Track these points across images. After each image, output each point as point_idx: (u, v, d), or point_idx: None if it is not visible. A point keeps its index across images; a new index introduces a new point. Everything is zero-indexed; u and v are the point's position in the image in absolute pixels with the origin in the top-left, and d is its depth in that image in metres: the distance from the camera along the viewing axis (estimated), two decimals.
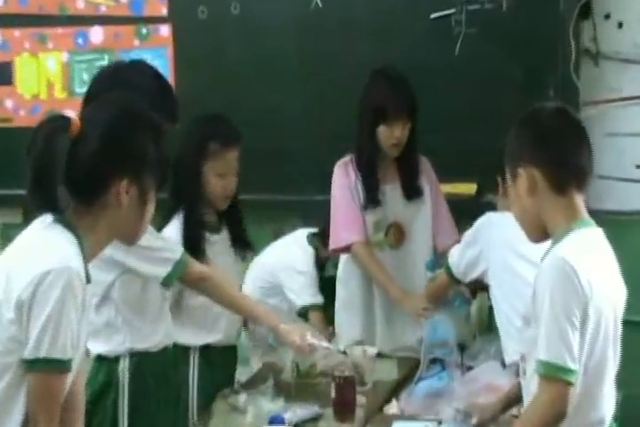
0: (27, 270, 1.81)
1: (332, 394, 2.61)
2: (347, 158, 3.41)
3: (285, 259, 4.05)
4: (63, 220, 1.88)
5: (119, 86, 2.43)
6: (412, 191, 3.37)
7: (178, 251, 2.65)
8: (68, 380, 1.88)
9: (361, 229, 3.31)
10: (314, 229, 4.06)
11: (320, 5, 4.28)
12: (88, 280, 1.90)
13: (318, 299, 3.98)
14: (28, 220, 4.75)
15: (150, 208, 1.97)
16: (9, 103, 4.71)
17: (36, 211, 1.93)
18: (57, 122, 1.90)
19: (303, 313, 3.98)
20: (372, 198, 3.34)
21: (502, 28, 4.04)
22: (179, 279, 2.64)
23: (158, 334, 2.58)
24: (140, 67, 2.69)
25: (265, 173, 4.19)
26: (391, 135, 3.27)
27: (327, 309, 3.81)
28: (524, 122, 2.08)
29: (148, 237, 2.34)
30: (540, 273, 1.95)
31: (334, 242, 3.37)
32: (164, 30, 4.50)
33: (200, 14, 4.43)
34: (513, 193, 2.02)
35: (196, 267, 2.71)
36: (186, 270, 2.64)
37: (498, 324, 2.81)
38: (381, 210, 3.37)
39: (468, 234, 2.90)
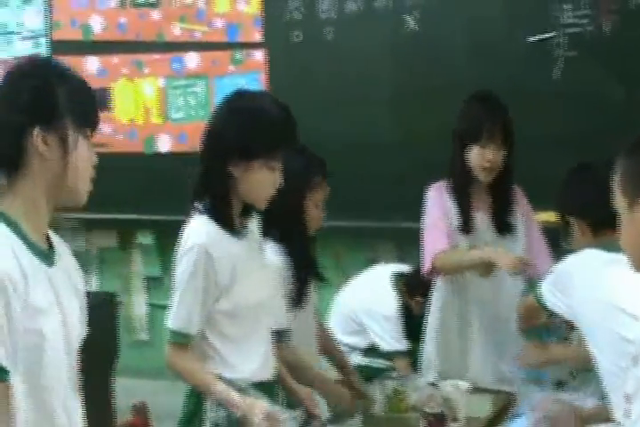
0: None
1: None
2: (441, 183, 3.33)
3: (370, 301, 3.99)
4: None
5: (244, 113, 2.39)
6: (503, 226, 3.27)
7: None
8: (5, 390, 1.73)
9: (449, 246, 3.22)
10: (400, 268, 3.99)
11: (416, 29, 4.24)
12: (48, 258, 1.82)
13: (404, 345, 3.92)
14: (123, 243, 4.87)
15: (81, 155, 1.81)
16: (106, 128, 4.76)
17: None
18: None
19: (388, 357, 3.93)
20: (463, 225, 3.25)
21: (603, 51, 3.94)
22: None
23: (248, 365, 2.50)
24: (265, 96, 2.65)
25: (357, 198, 4.16)
26: (483, 157, 3.17)
27: (413, 353, 3.75)
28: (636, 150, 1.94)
29: None
30: None
31: (425, 265, 3.28)
32: (258, 55, 4.51)
33: (294, 39, 4.42)
34: (626, 224, 1.89)
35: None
36: None
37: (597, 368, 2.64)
38: (472, 236, 3.27)
39: (554, 279, 2.69)
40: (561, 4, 3.99)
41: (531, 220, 3.34)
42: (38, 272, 1.79)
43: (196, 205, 2.41)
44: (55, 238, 1.89)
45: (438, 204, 3.27)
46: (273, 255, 2.80)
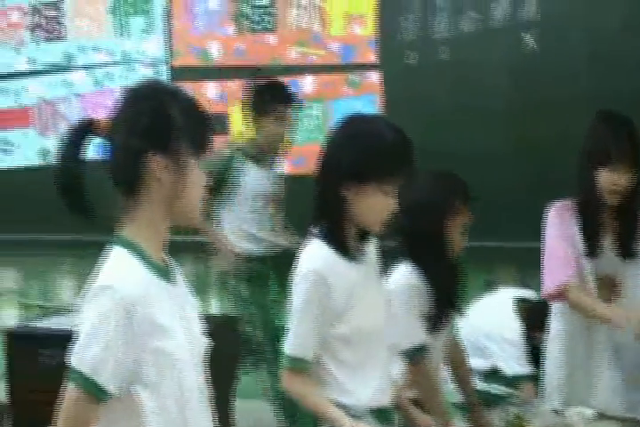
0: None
1: None
2: (563, 202, 3.24)
3: (493, 325, 3.95)
4: (118, 239, 1.87)
5: (358, 137, 2.39)
6: (628, 251, 3.17)
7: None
8: (95, 409, 1.79)
9: (574, 272, 3.13)
10: (523, 293, 3.92)
11: (533, 45, 4.18)
12: (167, 276, 1.88)
13: (528, 369, 3.83)
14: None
15: (195, 180, 1.87)
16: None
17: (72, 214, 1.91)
18: (81, 125, 1.89)
19: (511, 381, 3.86)
20: (590, 249, 3.15)
21: None
22: None
23: (364, 390, 2.47)
24: (379, 119, 2.64)
25: (476, 218, 4.10)
26: (612, 180, 3.08)
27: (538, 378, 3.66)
28: None
29: None
30: None
31: (546, 287, 3.20)
32: (374, 77, 4.51)
33: (409, 60, 4.41)
34: None
35: None
36: None
37: None
38: (597, 261, 3.18)
39: None
40: None
41: None
42: (161, 291, 1.85)
43: (312, 229, 2.41)
44: (165, 256, 1.94)
45: (561, 225, 3.19)
46: (406, 276, 2.83)
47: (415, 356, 2.80)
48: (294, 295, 2.37)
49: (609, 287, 3.19)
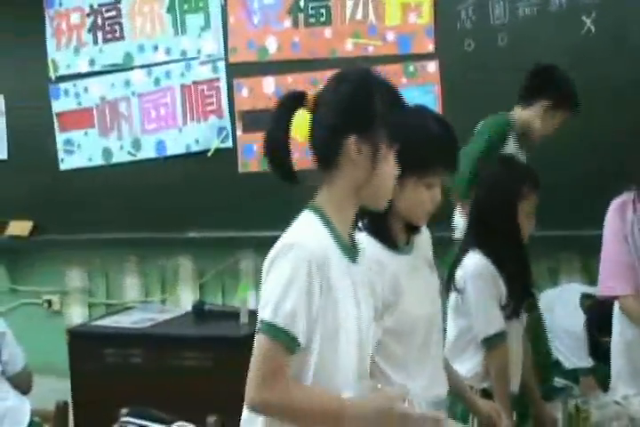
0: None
1: None
2: (626, 197, 3.11)
3: (555, 318, 3.89)
4: (312, 206, 1.97)
5: (401, 129, 2.35)
6: None
7: None
8: (289, 360, 1.84)
9: (630, 279, 3.01)
10: (590, 290, 3.83)
11: (592, 28, 4.06)
12: (350, 253, 1.95)
13: (588, 362, 3.74)
14: None
15: (387, 168, 1.96)
16: None
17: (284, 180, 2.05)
18: (291, 97, 1.98)
19: (571, 374, 3.77)
20: None
21: None
22: None
23: (416, 383, 2.42)
24: (426, 111, 2.59)
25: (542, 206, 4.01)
26: None
27: (599, 371, 3.58)
28: None
29: None
30: None
31: (602, 289, 3.11)
32: (431, 66, 4.44)
33: (466, 47, 4.33)
34: None
35: None
36: None
37: None
38: None
39: None
40: None
41: None
42: (342, 265, 1.92)
43: (360, 221, 2.37)
44: (358, 239, 2.05)
45: (620, 224, 3.06)
46: (478, 263, 2.82)
47: (494, 344, 2.81)
48: None
49: None
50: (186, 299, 5.04)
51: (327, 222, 1.93)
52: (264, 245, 4.97)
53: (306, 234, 1.90)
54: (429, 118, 2.38)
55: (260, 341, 1.84)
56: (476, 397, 2.66)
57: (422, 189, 2.31)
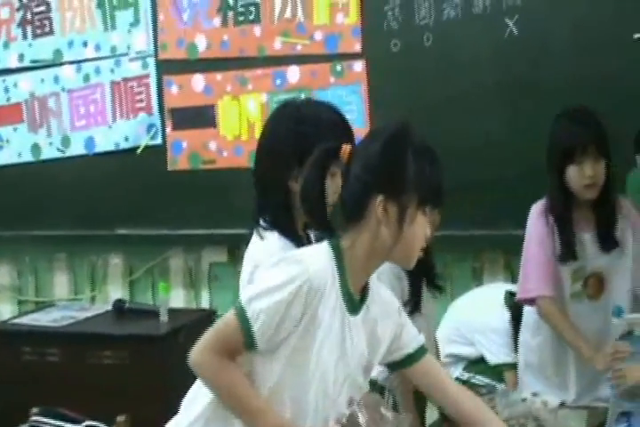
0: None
1: None
2: (544, 202, 3.18)
3: (480, 313, 3.97)
4: (333, 243, 1.99)
5: (304, 122, 2.38)
6: (607, 243, 3.11)
7: None
8: (240, 350, 1.93)
9: (549, 282, 3.08)
10: (512, 286, 3.89)
11: (515, 33, 4.12)
12: (353, 306, 1.98)
13: (512, 358, 3.80)
14: (233, 259, 4.91)
15: (416, 230, 1.96)
16: (213, 145, 4.81)
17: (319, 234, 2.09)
18: (327, 152, 2.03)
19: (495, 370, 3.83)
20: (568, 252, 3.10)
21: None
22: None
23: None
24: (318, 103, 2.63)
25: (463, 206, 4.06)
26: (582, 175, 3.01)
27: None
28: None
29: None
30: None
31: (521, 292, 3.18)
32: (358, 66, 4.47)
33: (393, 48, 4.36)
34: None
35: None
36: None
37: None
38: (580, 259, 3.13)
39: None
40: None
41: None
42: (337, 310, 1.96)
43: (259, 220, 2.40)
44: (374, 288, 2.06)
45: (541, 227, 3.13)
46: None
47: None
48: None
49: (596, 285, 3.16)
50: (115, 296, 5.01)
51: (341, 267, 1.96)
52: (193, 243, 5.04)
53: (316, 262, 1.94)
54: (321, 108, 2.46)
55: (229, 314, 1.95)
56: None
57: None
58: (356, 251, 1.97)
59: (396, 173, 1.94)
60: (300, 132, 2.35)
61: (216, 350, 1.93)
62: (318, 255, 1.97)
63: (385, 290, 2.15)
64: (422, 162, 1.95)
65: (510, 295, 3.94)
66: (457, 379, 3.83)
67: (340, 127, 2.39)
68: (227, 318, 1.96)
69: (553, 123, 3.15)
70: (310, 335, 1.94)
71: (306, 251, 2.02)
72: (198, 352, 1.95)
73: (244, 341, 1.92)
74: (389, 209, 1.93)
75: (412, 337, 2.17)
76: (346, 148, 1.99)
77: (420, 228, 1.97)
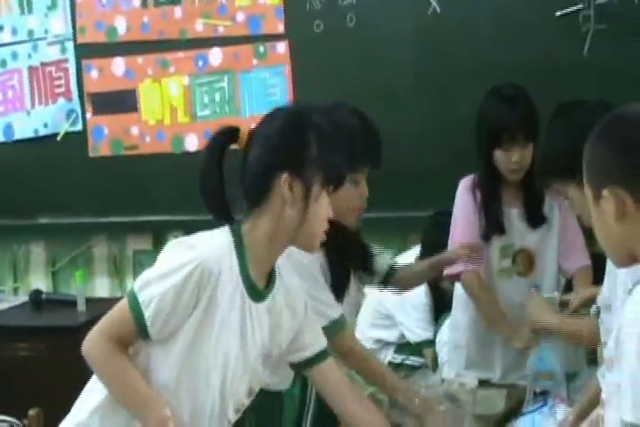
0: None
1: None
2: (473, 177, 3.15)
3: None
4: (234, 227, 1.94)
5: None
6: (534, 219, 3.09)
7: (338, 310, 2.46)
8: (133, 336, 1.88)
9: (477, 258, 3.05)
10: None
11: (438, 10, 4.07)
12: (256, 293, 1.93)
13: (432, 334, 3.76)
14: (158, 246, 4.81)
15: (320, 210, 1.94)
16: (135, 130, 4.70)
17: (216, 220, 1.98)
18: (224, 134, 1.98)
19: (417, 348, 3.79)
20: (494, 226, 3.07)
21: (635, 23, 3.71)
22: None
23: None
24: (341, 105, 2.54)
25: (387, 189, 4.02)
26: (509, 160, 2.98)
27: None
28: (606, 131, 1.66)
29: (318, 288, 2.31)
30: (629, 312, 1.60)
31: (447, 267, 3.13)
32: (281, 47, 4.39)
33: (315, 29, 4.30)
34: (595, 215, 1.70)
35: (349, 335, 2.50)
36: (340, 334, 2.39)
37: None
38: (508, 235, 3.10)
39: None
40: None
41: (567, 210, 3.15)
42: (236, 296, 1.90)
43: None
44: (283, 276, 2.02)
45: (468, 203, 3.10)
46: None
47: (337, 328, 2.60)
48: None
49: (526, 261, 3.13)
50: (39, 287, 4.88)
51: (240, 253, 1.92)
52: (117, 231, 4.92)
53: (212, 246, 1.90)
54: (346, 114, 2.37)
55: (122, 302, 1.90)
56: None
57: (348, 185, 2.26)
58: (258, 234, 1.93)
59: (298, 150, 1.91)
60: None
61: (109, 338, 1.88)
62: (215, 240, 1.92)
63: (295, 280, 2.09)
64: (324, 141, 1.92)
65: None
66: (390, 363, 3.80)
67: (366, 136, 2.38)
68: (120, 306, 1.91)
69: (483, 101, 3.09)
70: (209, 322, 1.89)
71: (203, 235, 1.96)
72: (90, 340, 1.90)
73: (137, 329, 1.87)
74: (295, 187, 1.90)
75: (314, 340, 2.11)
76: (244, 130, 1.96)
77: (324, 209, 1.94)
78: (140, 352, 1.92)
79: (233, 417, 2.02)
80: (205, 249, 1.88)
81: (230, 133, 1.97)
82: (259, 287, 1.96)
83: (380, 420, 2.14)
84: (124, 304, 1.90)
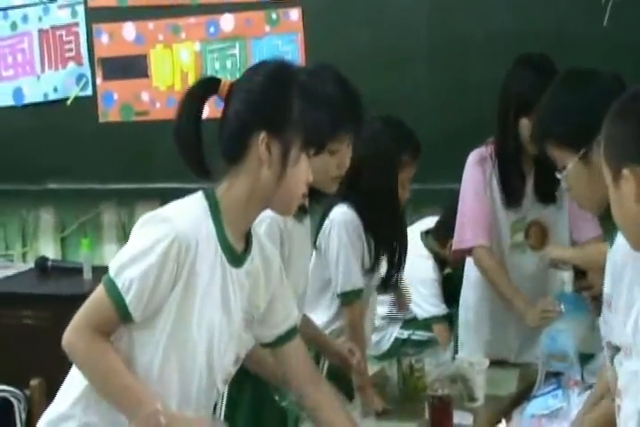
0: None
1: (426, 415, 2.34)
2: (483, 150, 3.07)
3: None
4: (208, 192, 1.86)
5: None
6: (546, 195, 3.03)
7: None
8: (115, 322, 1.80)
9: (488, 232, 2.99)
10: (426, 224, 3.78)
11: None
12: (235, 258, 1.85)
13: (442, 309, 3.72)
14: None
15: (298, 173, 1.84)
16: (145, 96, 4.65)
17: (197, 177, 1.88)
18: (205, 84, 1.91)
19: (426, 324, 3.75)
20: (513, 199, 3.01)
21: None
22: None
23: None
24: (325, 68, 2.45)
25: None
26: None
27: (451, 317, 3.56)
28: (625, 108, 1.60)
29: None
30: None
31: (458, 242, 3.06)
32: (294, 15, 4.31)
33: None
34: (614, 197, 1.63)
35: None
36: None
37: None
38: (520, 209, 3.04)
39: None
40: None
41: None
42: (216, 262, 1.83)
43: None
44: (257, 240, 1.93)
45: (479, 175, 3.03)
46: (344, 213, 2.73)
47: (350, 299, 2.73)
48: None
49: (539, 235, 3.07)
50: (47, 252, 4.88)
51: (217, 218, 1.83)
52: (126, 197, 4.88)
53: (186, 216, 1.81)
54: (327, 80, 2.27)
55: (98, 290, 1.82)
56: (329, 338, 2.65)
57: (326, 155, 2.20)
58: (234, 195, 1.84)
59: (279, 108, 1.81)
60: None
61: (90, 327, 1.79)
62: (189, 209, 1.84)
63: (269, 245, 2.01)
64: (307, 102, 1.82)
65: (425, 234, 3.84)
66: (397, 339, 3.76)
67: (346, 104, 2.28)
68: (97, 293, 1.81)
69: (512, 70, 3.01)
70: (191, 295, 1.80)
71: (173, 206, 1.87)
72: (70, 331, 1.80)
73: (119, 314, 1.78)
74: (272, 147, 1.81)
75: (286, 314, 2.03)
76: (225, 81, 1.87)
77: (303, 172, 1.85)
78: (122, 337, 1.83)
79: (222, 388, 1.97)
80: (179, 221, 1.79)
81: (211, 83, 1.89)
82: (237, 252, 1.87)
83: (337, 405, 2.08)
84: (101, 292, 1.81)
